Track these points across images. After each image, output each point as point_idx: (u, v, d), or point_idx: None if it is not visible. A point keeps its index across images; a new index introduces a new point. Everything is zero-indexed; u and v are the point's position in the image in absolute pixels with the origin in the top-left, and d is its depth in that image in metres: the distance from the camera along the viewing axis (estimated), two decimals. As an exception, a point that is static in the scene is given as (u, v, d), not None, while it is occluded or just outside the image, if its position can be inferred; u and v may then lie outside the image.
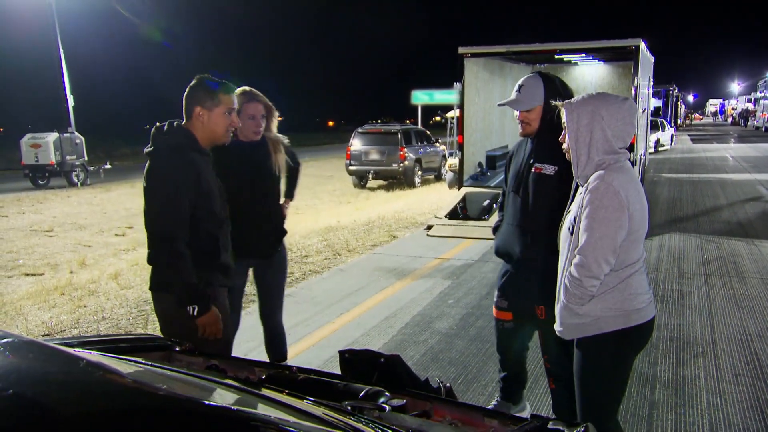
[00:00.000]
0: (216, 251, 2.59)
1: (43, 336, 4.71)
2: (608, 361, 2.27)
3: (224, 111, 2.56)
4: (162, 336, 2.29)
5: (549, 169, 2.84)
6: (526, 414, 3.31)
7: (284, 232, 3.53)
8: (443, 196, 12.39)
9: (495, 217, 3.49)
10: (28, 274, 7.34)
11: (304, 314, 5.19)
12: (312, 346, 4.44)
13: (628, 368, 2.34)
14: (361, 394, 1.48)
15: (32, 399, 0.99)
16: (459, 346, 4.41)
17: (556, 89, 2.84)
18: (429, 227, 8.95)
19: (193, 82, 2.59)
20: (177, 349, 1.90)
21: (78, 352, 1.43)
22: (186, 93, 2.57)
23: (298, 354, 4.26)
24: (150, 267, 2.56)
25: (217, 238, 2.59)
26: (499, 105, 3.04)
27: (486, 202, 9.20)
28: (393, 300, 5.57)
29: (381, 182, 17.54)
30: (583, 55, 9.97)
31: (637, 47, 8.03)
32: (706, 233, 8.45)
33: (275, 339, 3.64)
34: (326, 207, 13.24)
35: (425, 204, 11.93)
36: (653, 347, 4.28)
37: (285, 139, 3.49)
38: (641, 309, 2.22)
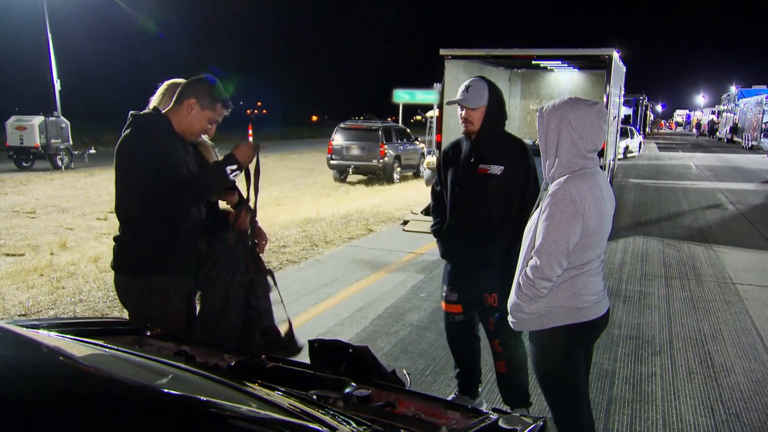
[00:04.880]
0: (185, 235, 2.55)
1: (19, 316, 4.73)
2: (554, 355, 2.38)
3: (210, 117, 2.57)
4: (133, 320, 2.27)
5: (496, 169, 3.01)
6: (483, 409, 3.46)
7: None
8: (421, 193, 12.57)
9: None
10: (8, 255, 7.33)
11: (280, 303, 5.27)
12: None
13: (575, 363, 2.40)
14: (328, 384, 1.52)
15: None
16: (429, 339, 4.57)
17: (498, 94, 3.08)
18: (405, 222, 9.14)
19: (203, 76, 2.59)
20: (147, 333, 1.91)
21: (38, 335, 1.40)
22: (191, 81, 2.58)
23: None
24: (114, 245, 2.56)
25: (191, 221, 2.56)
26: (448, 104, 3.20)
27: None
28: (367, 291, 5.71)
29: (361, 177, 17.72)
30: (559, 62, 10.17)
31: (610, 57, 8.26)
32: (669, 237, 8.80)
33: None
34: (307, 199, 13.30)
35: (403, 200, 12.12)
36: (613, 345, 4.50)
37: (210, 143, 3.18)
38: (583, 308, 2.31)
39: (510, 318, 2.44)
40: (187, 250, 2.55)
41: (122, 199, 2.50)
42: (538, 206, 2.42)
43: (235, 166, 2.46)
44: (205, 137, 3.09)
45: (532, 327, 2.37)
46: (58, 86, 19.89)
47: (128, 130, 2.47)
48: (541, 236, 2.21)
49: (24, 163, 18.46)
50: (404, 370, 1.87)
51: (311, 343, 1.81)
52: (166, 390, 1.15)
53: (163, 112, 2.55)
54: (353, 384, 1.54)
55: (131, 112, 2.54)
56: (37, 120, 18.22)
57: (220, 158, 2.98)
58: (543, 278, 2.21)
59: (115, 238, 2.58)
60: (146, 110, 2.55)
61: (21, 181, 15.21)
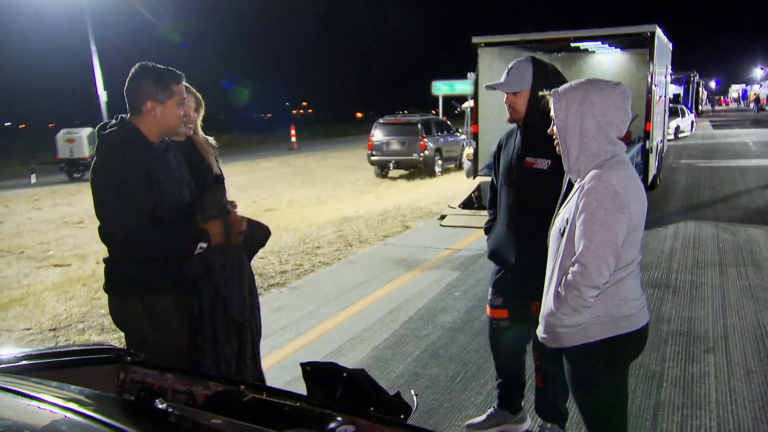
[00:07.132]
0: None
1: (49, 331, 4.76)
2: (598, 371, 2.12)
3: (177, 102, 2.33)
4: (118, 347, 2.07)
5: (542, 163, 2.72)
6: (525, 426, 3.20)
7: None
8: (461, 186, 12.27)
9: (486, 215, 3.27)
10: (56, 265, 7.47)
11: (309, 307, 5.18)
12: (313, 341, 4.43)
13: (621, 377, 2.18)
14: (308, 419, 1.37)
15: None
16: (461, 342, 4.36)
17: (547, 76, 2.71)
18: (442, 217, 8.92)
19: (136, 71, 2.31)
20: (128, 359, 1.76)
21: None
22: (130, 85, 2.30)
23: (300, 348, 4.25)
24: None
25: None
26: (487, 87, 2.94)
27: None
28: (399, 292, 5.54)
29: (402, 172, 17.53)
30: (599, 42, 9.76)
31: (653, 33, 7.83)
32: (723, 221, 8.30)
33: None
34: (348, 197, 13.22)
35: (443, 193, 11.92)
36: (662, 342, 4.20)
37: (212, 141, 3.00)
38: (631, 316, 2.06)
39: (542, 334, 2.18)
40: (179, 268, 2.41)
41: (103, 223, 2.36)
42: (562, 204, 2.19)
43: (205, 244, 2.33)
44: (211, 139, 3.00)
45: (575, 342, 2.09)
46: (104, 97, 20.45)
47: (95, 159, 2.31)
48: (584, 238, 1.95)
49: (75, 175, 19.15)
50: (412, 392, 1.70)
51: (303, 366, 1.66)
52: None
53: (129, 119, 2.34)
54: (338, 419, 1.36)
55: (98, 126, 2.36)
56: (86, 132, 18.92)
57: (216, 166, 2.88)
58: (591, 286, 1.94)
59: (105, 260, 2.45)
60: (113, 122, 2.35)
61: (71, 192, 15.70)
